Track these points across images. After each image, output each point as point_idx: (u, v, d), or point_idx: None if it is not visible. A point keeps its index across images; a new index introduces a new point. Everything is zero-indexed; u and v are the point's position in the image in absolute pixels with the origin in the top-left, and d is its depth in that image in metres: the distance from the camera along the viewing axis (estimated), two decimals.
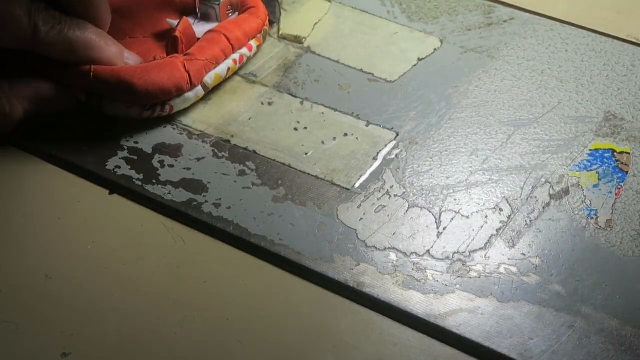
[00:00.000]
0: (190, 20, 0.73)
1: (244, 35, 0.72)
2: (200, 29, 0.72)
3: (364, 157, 0.66)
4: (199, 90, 0.69)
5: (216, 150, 0.66)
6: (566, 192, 0.64)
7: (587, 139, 0.68)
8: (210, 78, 0.69)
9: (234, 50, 0.71)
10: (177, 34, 0.68)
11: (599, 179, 0.65)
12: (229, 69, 0.71)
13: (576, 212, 0.62)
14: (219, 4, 0.73)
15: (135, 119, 0.67)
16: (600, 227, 0.61)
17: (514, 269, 0.58)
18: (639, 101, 0.71)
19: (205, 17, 0.74)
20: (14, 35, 0.62)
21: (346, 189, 0.63)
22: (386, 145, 0.67)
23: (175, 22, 0.72)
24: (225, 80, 0.72)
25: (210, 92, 0.71)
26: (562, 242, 0.60)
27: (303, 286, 0.58)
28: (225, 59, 0.71)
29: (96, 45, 0.66)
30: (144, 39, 0.72)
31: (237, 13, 0.75)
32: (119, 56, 0.67)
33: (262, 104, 0.71)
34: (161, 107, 0.67)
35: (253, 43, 0.74)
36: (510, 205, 0.62)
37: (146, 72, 0.66)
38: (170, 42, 0.69)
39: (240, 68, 0.73)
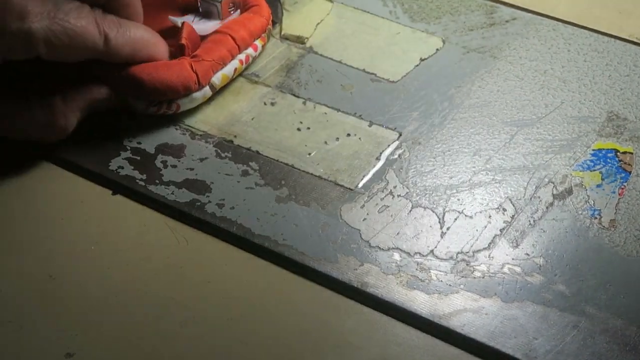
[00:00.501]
0: (192, 17, 0.73)
1: (250, 35, 0.72)
2: (202, 26, 0.72)
3: (366, 157, 0.66)
4: (207, 91, 0.69)
5: (219, 151, 0.66)
6: (569, 192, 0.64)
7: (590, 139, 0.68)
8: (217, 79, 0.69)
9: (240, 51, 0.71)
10: (183, 41, 0.68)
11: (602, 179, 0.65)
12: (235, 69, 0.71)
13: (580, 212, 0.62)
14: (220, 2, 0.73)
15: (140, 113, 0.67)
16: (604, 227, 0.61)
17: (517, 269, 0.58)
18: None
19: (207, 15, 0.74)
20: (91, 48, 0.62)
21: (349, 189, 0.63)
22: (389, 146, 0.67)
23: (178, 19, 0.72)
24: (231, 80, 0.72)
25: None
26: (565, 242, 0.60)
27: (306, 286, 0.58)
28: (232, 60, 0.71)
29: (151, 41, 0.66)
30: None
31: (239, 11, 0.75)
32: (166, 49, 0.68)
33: (265, 104, 0.71)
34: (167, 105, 0.67)
35: (258, 43, 0.74)
36: (513, 205, 0.62)
37: (155, 69, 0.66)
38: (177, 49, 0.69)
39: (246, 68, 0.73)
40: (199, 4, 0.74)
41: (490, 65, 0.75)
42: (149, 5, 0.73)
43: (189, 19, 0.73)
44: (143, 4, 0.70)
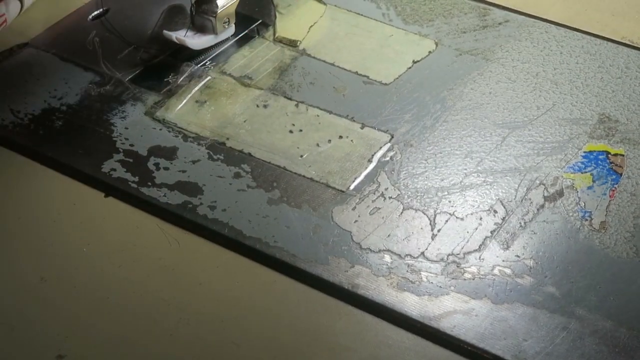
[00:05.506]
0: (185, 32, 0.73)
1: None
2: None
3: (358, 159, 0.66)
4: None
5: (211, 153, 0.66)
6: (560, 194, 0.64)
7: (581, 140, 0.68)
8: None
9: None
10: None
11: (593, 181, 0.65)
12: None
13: (570, 214, 0.62)
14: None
15: None
16: (595, 228, 0.61)
17: (508, 271, 0.58)
18: (633, 103, 0.71)
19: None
20: None
21: (341, 191, 0.64)
22: (381, 148, 0.67)
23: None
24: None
25: (206, 95, 0.71)
26: (556, 243, 0.60)
27: (298, 288, 0.58)
28: None
29: None
30: None
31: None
32: None
33: (257, 106, 0.71)
34: None
35: None
36: (504, 207, 0.63)
37: None
38: None
39: None
40: (193, 18, 0.74)
41: (482, 67, 0.75)
42: None
43: (183, 33, 0.73)
44: None
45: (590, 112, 0.71)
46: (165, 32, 0.73)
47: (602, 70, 0.75)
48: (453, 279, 0.58)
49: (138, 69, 0.74)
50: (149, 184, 0.64)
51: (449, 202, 0.63)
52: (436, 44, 0.78)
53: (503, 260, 0.59)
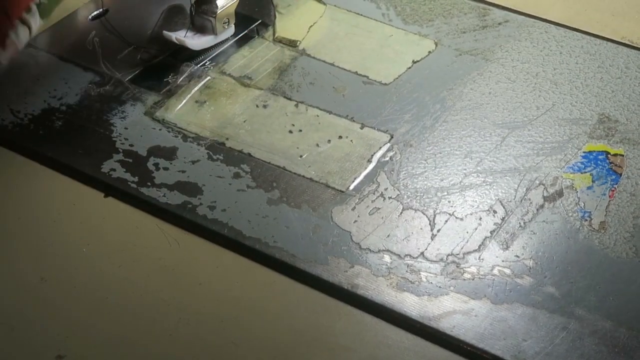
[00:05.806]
0: (185, 32, 0.73)
1: None
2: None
3: (358, 159, 0.66)
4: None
5: (211, 153, 0.66)
6: (560, 194, 0.64)
7: (581, 141, 0.68)
8: None
9: None
10: None
11: (593, 181, 0.65)
12: None
13: (570, 214, 0.62)
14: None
15: None
16: (594, 229, 0.61)
17: (507, 271, 0.58)
18: (633, 103, 0.71)
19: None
20: None
21: (340, 191, 0.64)
22: (380, 148, 0.67)
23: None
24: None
25: (205, 95, 0.71)
26: (555, 244, 0.60)
27: (297, 288, 0.58)
28: None
29: None
30: None
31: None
32: None
33: (257, 106, 0.71)
34: None
35: None
36: (504, 207, 0.63)
37: None
38: None
39: None
40: (193, 18, 0.74)
41: (482, 67, 0.75)
42: None
43: (183, 33, 0.73)
44: None
45: (589, 112, 0.71)
46: (165, 32, 0.73)
47: (602, 70, 0.75)
48: (452, 279, 0.58)
49: (138, 69, 0.74)
50: (149, 184, 0.64)
51: (449, 202, 0.63)
52: (436, 44, 0.78)
53: (502, 261, 0.59)
